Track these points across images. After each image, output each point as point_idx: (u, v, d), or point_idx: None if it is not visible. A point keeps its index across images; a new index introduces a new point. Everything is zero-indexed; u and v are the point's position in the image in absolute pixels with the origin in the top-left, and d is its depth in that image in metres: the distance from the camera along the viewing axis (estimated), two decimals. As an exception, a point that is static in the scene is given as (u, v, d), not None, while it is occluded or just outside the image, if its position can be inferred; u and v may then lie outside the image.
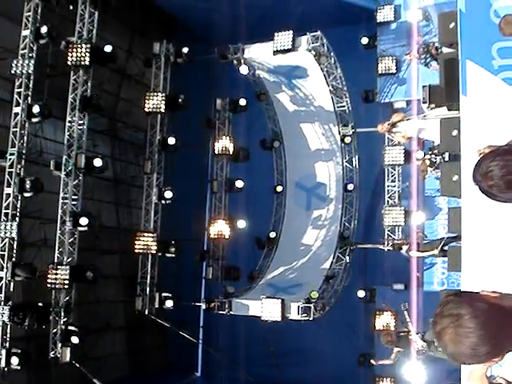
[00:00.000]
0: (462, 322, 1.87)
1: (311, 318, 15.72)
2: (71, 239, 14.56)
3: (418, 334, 12.03)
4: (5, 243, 13.65)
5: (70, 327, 14.25)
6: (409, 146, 16.38)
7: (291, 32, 16.26)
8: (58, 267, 14.01)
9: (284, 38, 16.33)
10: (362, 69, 17.80)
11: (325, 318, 16.52)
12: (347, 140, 18.04)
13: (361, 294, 17.19)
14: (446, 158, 11.75)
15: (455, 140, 9.28)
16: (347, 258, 17.61)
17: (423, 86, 11.61)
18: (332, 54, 16.70)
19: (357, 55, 17.77)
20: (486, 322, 1.86)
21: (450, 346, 1.88)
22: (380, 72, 17.06)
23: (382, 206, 17.20)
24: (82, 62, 14.49)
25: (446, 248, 12.39)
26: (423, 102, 11.75)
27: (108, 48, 14.91)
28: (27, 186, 13.67)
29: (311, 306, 15.71)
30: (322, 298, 16.51)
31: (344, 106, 17.65)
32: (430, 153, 14.06)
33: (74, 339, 14.13)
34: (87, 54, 14.44)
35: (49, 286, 13.98)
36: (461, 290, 1.99)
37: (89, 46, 14.53)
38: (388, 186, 17.28)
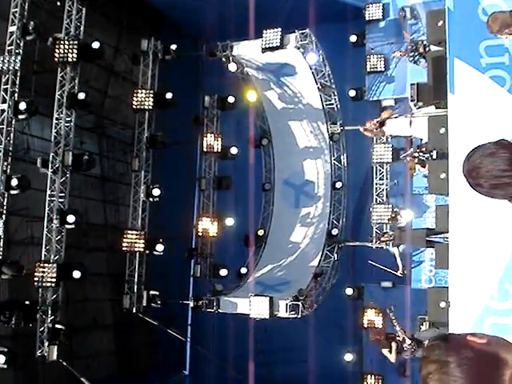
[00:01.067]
0: (447, 370, 1.85)
1: (299, 316, 15.74)
2: (58, 237, 14.48)
3: (406, 335, 12.10)
4: (-9, 241, 13.55)
5: (57, 325, 14.18)
6: (397, 143, 16.45)
7: (280, 29, 16.25)
8: (45, 265, 13.93)
9: (272, 36, 16.32)
10: (351, 67, 17.82)
11: (313, 315, 16.55)
12: (335, 138, 18.07)
13: (349, 291, 17.23)
14: (434, 156, 11.80)
15: (443, 138, 9.30)
16: (335, 255, 17.65)
17: (411, 84, 11.67)
18: (320, 51, 16.70)
19: (345, 53, 17.78)
20: (472, 370, 1.84)
21: None
22: (368, 70, 17.10)
23: (370, 203, 17.23)
24: (70, 59, 14.41)
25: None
26: (411, 100, 11.80)
27: (95, 45, 14.83)
28: (14, 184, 13.57)
29: (299, 303, 15.73)
30: (310, 295, 16.52)
31: (332, 104, 17.66)
32: (418, 151, 14.10)
33: (61, 338, 14.06)
34: (74, 51, 14.36)
35: (36, 284, 13.90)
36: (448, 334, 1.96)
37: (76, 42, 14.46)
38: (376, 184, 17.32)
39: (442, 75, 9.38)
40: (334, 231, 18.06)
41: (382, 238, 15.23)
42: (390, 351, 12.38)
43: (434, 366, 1.86)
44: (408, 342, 12.00)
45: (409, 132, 12.99)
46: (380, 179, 17.28)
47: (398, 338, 12.28)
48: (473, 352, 1.84)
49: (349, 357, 17.15)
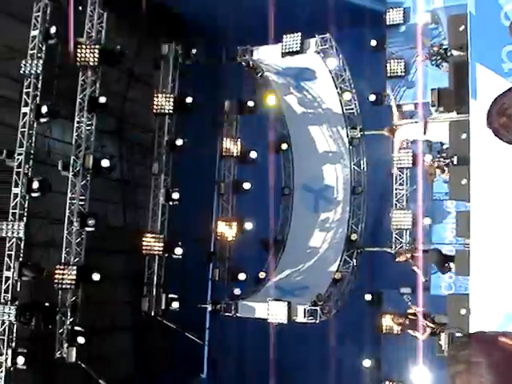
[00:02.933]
0: (477, 371, 1.81)
1: (317, 321, 15.67)
2: (78, 239, 14.58)
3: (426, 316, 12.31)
4: (12, 243, 13.67)
5: (76, 327, 14.28)
6: (417, 148, 16.33)
7: (300, 34, 16.25)
8: (65, 267, 14.03)
9: (292, 40, 16.32)
10: (371, 71, 17.76)
11: (331, 321, 16.47)
12: (355, 143, 18.00)
13: (368, 297, 17.13)
14: (455, 162, 11.70)
15: (464, 143, 9.22)
16: (354, 261, 17.56)
17: (432, 89, 11.56)
18: (340, 56, 16.65)
19: (365, 57, 17.72)
20: (502, 372, 1.80)
21: None
22: (389, 74, 17.01)
23: (389, 209, 17.12)
24: (91, 63, 14.53)
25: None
26: (432, 106, 11.69)
27: (117, 49, 14.93)
28: (35, 186, 13.68)
29: (318, 308, 15.66)
30: (328, 300, 16.45)
31: (352, 109, 17.59)
32: (439, 156, 14.00)
33: (80, 339, 14.13)
34: (96, 55, 14.47)
35: (55, 286, 14.01)
36: (478, 333, 1.92)
37: (97, 46, 14.57)
38: (396, 190, 17.22)
39: (463, 80, 9.30)
40: (354, 236, 17.97)
41: (398, 259, 15.11)
42: (422, 333, 12.63)
43: (463, 365, 1.82)
44: (432, 325, 12.27)
45: (425, 137, 12.87)
46: (400, 184, 17.18)
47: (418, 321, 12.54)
48: (504, 353, 1.80)
49: (367, 363, 17.06)
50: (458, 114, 10.41)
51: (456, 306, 10.01)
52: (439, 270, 13.39)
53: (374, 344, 17.44)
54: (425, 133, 12.04)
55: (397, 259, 14.75)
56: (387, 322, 15.96)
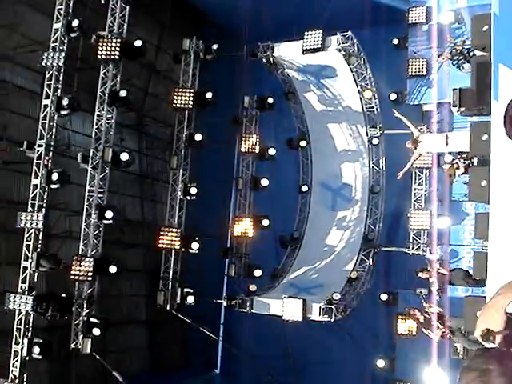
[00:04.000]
0: (489, 379, 1.79)
1: (332, 320, 15.62)
2: (96, 232, 14.67)
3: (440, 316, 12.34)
4: (30, 234, 13.78)
5: (91, 319, 14.37)
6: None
7: (321, 31, 16.19)
8: (82, 259, 14.12)
9: (314, 37, 16.26)
10: (392, 70, 17.65)
11: (346, 320, 16.42)
12: (375, 141, 17.91)
13: (384, 297, 17.04)
14: (475, 163, 11.60)
15: (485, 144, 9.12)
16: (371, 260, 17.47)
17: (453, 89, 11.43)
18: (362, 54, 16.57)
19: (387, 56, 17.61)
20: None
21: None
22: (410, 74, 16.88)
23: (407, 209, 17.01)
24: (112, 57, 14.60)
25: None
26: (453, 106, 11.56)
27: (138, 43, 14.97)
28: (54, 178, 13.78)
29: (333, 307, 15.61)
30: (344, 299, 16.40)
31: (372, 107, 17.50)
32: (459, 157, 13.88)
33: (96, 331, 14.23)
34: (117, 49, 14.53)
35: (72, 277, 14.11)
36: (489, 347, 1.91)
37: (119, 40, 14.63)
38: (415, 190, 17.10)
39: (485, 81, 9.20)
40: (371, 236, 17.88)
41: (420, 274, 15.01)
42: (436, 334, 12.60)
43: (474, 373, 1.80)
44: (443, 329, 12.25)
45: (446, 149, 12.77)
46: (419, 184, 17.07)
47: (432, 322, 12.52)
48: None
49: (381, 363, 16.97)
50: (479, 115, 10.32)
51: (472, 309, 9.92)
52: (468, 286, 13.33)
53: (389, 344, 17.36)
54: (447, 144, 11.97)
55: (419, 274, 14.68)
56: (407, 324, 15.86)
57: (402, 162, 17.41)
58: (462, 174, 13.82)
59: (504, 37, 8.85)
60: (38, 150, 14.07)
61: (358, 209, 18.65)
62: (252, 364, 18.08)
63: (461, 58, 14.50)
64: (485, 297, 9.36)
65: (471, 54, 12.78)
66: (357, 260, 17.52)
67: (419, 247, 16.73)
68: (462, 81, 13.01)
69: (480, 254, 11.01)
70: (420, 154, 13.71)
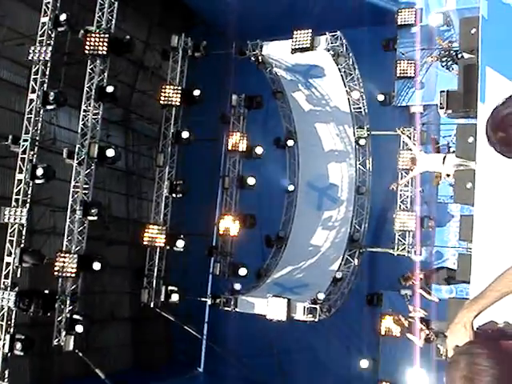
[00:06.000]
0: (476, 360, 1.82)
1: (317, 320, 15.63)
2: (80, 228, 14.56)
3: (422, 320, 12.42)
4: (14, 229, 13.66)
5: (74, 316, 14.26)
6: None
7: (310, 31, 16.18)
8: (66, 255, 14.02)
9: (303, 37, 16.25)
10: (380, 71, 17.68)
11: (330, 320, 16.44)
12: (362, 142, 17.93)
13: (368, 297, 17.09)
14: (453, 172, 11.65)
15: (471, 147, 9.16)
16: (356, 260, 17.49)
17: (441, 92, 11.48)
18: (350, 54, 16.58)
19: (375, 57, 17.63)
20: (501, 362, 1.80)
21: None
22: (398, 75, 16.92)
23: (393, 210, 17.05)
24: (100, 52, 14.49)
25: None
26: (440, 108, 11.62)
27: (126, 39, 14.89)
28: (39, 173, 13.67)
29: (317, 307, 15.62)
30: (328, 299, 16.41)
31: (360, 108, 17.52)
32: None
33: (79, 328, 14.14)
34: (105, 44, 14.44)
35: (56, 273, 13.99)
36: (481, 331, 1.93)
37: (107, 35, 14.52)
38: (401, 191, 17.13)
39: (472, 83, 9.24)
40: (356, 236, 17.91)
41: (403, 284, 15.07)
42: (419, 338, 12.61)
43: (463, 356, 1.83)
44: (426, 332, 12.29)
45: (442, 168, 12.83)
46: (405, 186, 17.09)
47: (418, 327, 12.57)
48: (504, 348, 1.80)
49: (364, 363, 17.02)
50: (465, 117, 10.36)
51: (456, 310, 9.95)
52: (450, 284, 13.39)
53: (372, 345, 17.40)
54: (444, 163, 12.05)
55: (403, 283, 14.75)
56: (387, 323, 15.90)
57: (389, 163, 17.50)
58: (448, 176, 13.88)
59: (491, 40, 8.88)
60: (23, 145, 13.94)
61: (344, 209, 18.67)
62: (236, 363, 18.07)
63: (449, 59, 14.56)
64: (468, 299, 9.39)
65: (459, 56, 12.83)
66: (342, 260, 17.54)
67: (404, 248, 16.77)
68: (450, 83, 13.07)
69: (464, 256, 11.07)
70: (419, 173, 13.81)
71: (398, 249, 16.81)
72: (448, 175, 13.33)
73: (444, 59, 14.92)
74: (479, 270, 8.61)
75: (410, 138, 14.55)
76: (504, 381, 1.76)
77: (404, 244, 16.80)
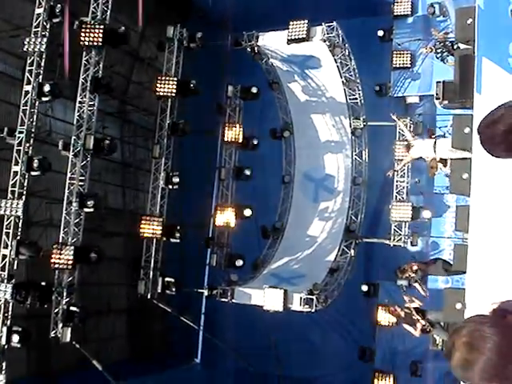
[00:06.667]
0: (481, 328, 1.83)
1: (313, 310, 15.67)
2: (77, 220, 14.55)
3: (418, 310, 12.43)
4: (10, 221, 13.63)
5: (71, 308, 14.28)
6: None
7: (306, 21, 16.12)
8: (63, 247, 14.01)
9: (299, 27, 16.20)
10: (377, 62, 17.67)
11: (327, 310, 16.49)
12: (358, 133, 17.93)
13: (364, 288, 17.13)
14: (449, 158, 11.66)
15: (467, 137, 9.16)
16: (352, 251, 17.54)
17: (437, 82, 11.47)
18: (347, 45, 16.55)
19: (372, 48, 17.62)
20: (505, 333, 1.81)
21: (462, 349, 1.82)
22: (394, 66, 16.92)
23: (389, 200, 17.09)
24: (95, 43, 14.43)
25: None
26: (436, 98, 11.62)
27: (121, 30, 14.83)
28: (35, 165, 13.63)
29: (314, 297, 15.66)
30: (325, 290, 16.45)
31: (356, 99, 17.51)
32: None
33: (75, 320, 14.15)
34: (100, 35, 14.37)
35: (52, 265, 13.99)
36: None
37: (102, 26, 14.46)
38: (397, 181, 17.17)
39: (469, 74, 9.23)
40: (352, 227, 17.94)
41: (400, 275, 15.08)
42: (415, 328, 12.58)
43: (467, 324, 1.84)
44: (422, 322, 12.31)
45: (433, 154, 12.84)
46: (401, 177, 17.13)
47: (413, 316, 12.53)
48: (509, 323, 1.82)
49: (361, 353, 17.10)
50: (462, 108, 10.35)
51: (452, 300, 9.99)
52: (447, 274, 13.41)
53: (369, 335, 17.47)
54: (435, 151, 12.05)
55: (399, 275, 14.77)
56: (383, 314, 15.95)
57: (385, 153, 17.53)
58: (444, 166, 13.90)
59: (488, 30, 8.87)
60: (19, 137, 13.88)
61: (340, 200, 18.69)
62: (233, 354, 18.13)
63: (444, 50, 14.55)
64: (464, 289, 9.42)
65: (455, 47, 12.81)
66: (338, 251, 17.58)
67: (400, 239, 16.82)
68: (446, 74, 13.05)
69: (460, 246, 11.08)
70: (413, 159, 13.76)
71: (394, 239, 16.86)
72: (443, 163, 13.33)
73: (439, 50, 14.90)
74: (475, 260, 8.64)
75: (404, 125, 14.52)
76: (505, 350, 1.76)
77: (400, 235, 16.85)
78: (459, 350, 1.83)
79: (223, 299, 16.72)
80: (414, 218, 16.65)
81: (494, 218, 8.23)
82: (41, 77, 14.02)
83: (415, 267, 14.36)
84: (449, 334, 1.96)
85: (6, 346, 13.20)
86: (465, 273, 10.00)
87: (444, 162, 13.63)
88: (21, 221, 13.74)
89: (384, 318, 15.96)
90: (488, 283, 8.48)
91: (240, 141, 18.43)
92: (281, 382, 17.69)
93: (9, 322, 13.37)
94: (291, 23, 16.26)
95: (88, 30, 14.38)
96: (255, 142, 18.66)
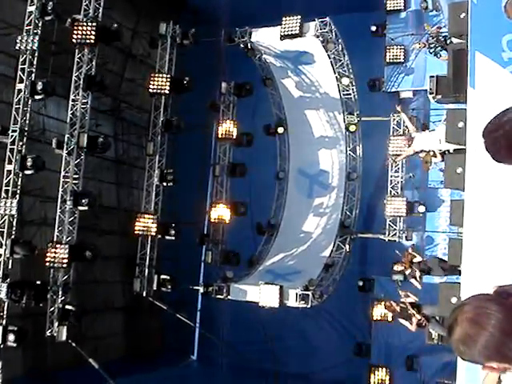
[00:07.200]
0: (485, 304, 1.83)
1: (309, 306, 15.69)
2: (71, 218, 14.53)
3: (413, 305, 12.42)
4: (4, 220, 13.61)
5: (67, 306, 14.27)
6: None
7: (299, 17, 16.09)
8: (57, 246, 13.99)
9: (292, 23, 16.16)
10: (370, 57, 17.67)
11: (323, 306, 16.51)
12: (352, 128, 17.91)
13: (359, 283, 17.17)
14: (451, 150, 11.66)
15: (461, 132, 9.17)
16: (347, 246, 17.54)
17: (430, 77, 11.49)
18: (340, 40, 16.53)
19: (365, 43, 17.61)
20: (509, 312, 1.81)
21: (465, 325, 1.82)
22: (388, 61, 16.92)
23: (384, 196, 17.10)
24: (88, 41, 14.39)
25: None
26: (430, 93, 11.64)
27: (114, 27, 14.78)
28: (28, 164, 13.61)
29: (309, 293, 15.67)
30: (320, 285, 16.47)
31: (350, 94, 17.49)
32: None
33: (71, 318, 14.13)
34: (93, 33, 14.32)
35: (47, 264, 13.97)
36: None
37: (94, 24, 14.41)
38: (391, 177, 17.18)
39: (462, 68, 9.23)
40: (347, 222, 17.95)
41: (395, 267, 15.08)
42: (411, 323, 12.57)
43: (471, 300, 1.84)
44: (418, 317, 12.32)
45: (438, 146, 12.81)
46: (395, 171, 17.14)
47: (409, 311, 12.52)
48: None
49: (357, 348, 17.13)
50: (455, 102, 10.36)
51: (447, 295, 10.01)
52: (444, 274, 13.40)
53: (365, 330, 17.51)
54: (440, 142, 12.02)
55: (395, 267, 14.75)
56: (378, 309, 15.99)
57: (379, 149, 17.53)
58: (435, 157, 13.90)
59: (481, 24, 8.87)
60: (12, 136, 13.86)
61: (335, 195, 18.69)
62: (229, 350, 18.14)
63: (437, 45, 14.55)
64: (459, 283, 9.44)
65: (448, 41, 12.81)
66: (333, 246, 17.58)
67: (395, 234, 16.85)
68: (439, 68, 13.06)
69: (455, 241, 11.10)
70: (415, 152, 13.72)
71: (388, 234, 16.89)
72: (442, 155, 13.32)
73: (432, 45, 14.91)
74: (470, 254, 8.66)
75: (408, 118, 14.47)
76: (508, 328, 1.76)
77: (395, 229, 16.88)
78: (461, 326, 1.82)
79: (219, 296, 16.72)
80: (408, 213, 16.69)
81: (488, 212, 8.25)
82: (33, 75, 13.99)
83: (410, 256, 14.27)
84: (451, 311, 1.94)
85: (1, 346, 13.18)
86: (457, 266, 10.04)
87: (439, 156, 13.62)
88: (15, 220, 13.72)
89: (379, 313, 16.01)
90: (483, 277, 8.50)
91: (234, 137, 18.41)
92: (277, 377, 17.69)
93: (4, 322, 13.36)
94: (284, 19, 16.23)
95: (80, 28, 14.33)
96: (249, 139, 18.64)
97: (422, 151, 13.18)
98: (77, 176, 14.61)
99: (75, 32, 14.33)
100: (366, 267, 18.43)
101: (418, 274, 13.54)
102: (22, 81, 13.98)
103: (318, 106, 18.60)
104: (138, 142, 19.97)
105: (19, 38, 13.96)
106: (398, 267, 14.15)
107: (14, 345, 13.20)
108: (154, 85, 16.98)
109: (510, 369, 1.81)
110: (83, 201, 14.40)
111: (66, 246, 14.03)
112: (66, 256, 13.93)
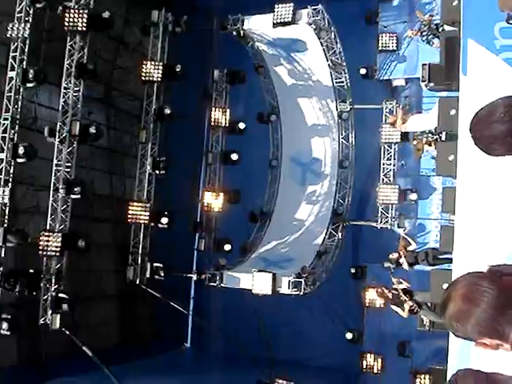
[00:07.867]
0: (480, 281, 1.86)
1: (302, 293, 15.77)
2: (64, 207, 14.51)
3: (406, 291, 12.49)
4: (-3, 209, 13.59)
5: (60, 294, 14.28)
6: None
7: (292, 4, 16.05)
8: (50, 234, 13.98)
9: (284, 11, 16.12)
10: (363, 45, 17.66)
11: (315, 293, 16.59)
12: (344, 116, 17.93)
13: (352, 270, 17.26)
14: (443, 138, 11.72)
15: (453, 119, 9.22)
16: (340, 234, 17.62)
17: (423, 65, 11.49)
18: (332, 28, 16.51)
19: (357, 31, 17.59)
20: (503, 289, 1.84)
21: (458, 301, 1.84)
22: (380, 48, 16.92)
23: (376, 183, 17.16)
24: (79, 28, 14.29)
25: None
26: (422, 81, 11.65)
27: (105, 14, 14.70)
28: (20, 152, 13.57)
29: (302, 280, 15.75)
30: (313, 273, 16.54)
31: (342, 82, 17.49)
32: (427, 132, 13.98)
33: (64, 306, 14.15)
34: (84, 20, 14.23)
35: (40, 252, 13.96)
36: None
37: (86, 11, 14.31)
38: (383, 164, 17.23)
39: (454, 56, 9.26)
40: (340, 210, 18.01)
41: (390, 256, 15.13)
42: (403, 309, 12.64)
43: (466, 277, 1.87)
44: (410, 303, 12.40)
45: (431, 127, 12.84)
46: (388, 159, 17.19)
47: (401, 297, 12.60)
48: (509, 283, 1.83)
49: (349, 335, 17.24)
50: (447, 90, 10.40)
51: (439, 281, 10.10)
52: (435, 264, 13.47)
53: (357, 317, 17.61)
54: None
55: (389, 256, 14.82)
56: (371, 295, 16.07)
57: (371, 136, 17.58)
58: (429, 145, 13.96)
59: (473, 12, 8.90)
60: (4, 124, 13.80)
61: (328, 183, 18.73)
62: (223, 337, 18.20)
63: (430, 33, 14.56)
64: (450, 270, 9.52)
65: (440, 29, 12.83)
66: (326, 234, 17.66)
67: (387, 221, 16.93)
68: (432, 56, 13.08)
69: (447, 228, 11.20)
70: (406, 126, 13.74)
71: (381, 222, 16.96)
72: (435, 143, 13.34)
73: (424, 33, 14.92)
74: (462, 241, 8.73)
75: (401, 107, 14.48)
76: (501, 306, 1.77)
77: (387, 217, 16.95)
78: (454, 302, 1.84)
79: (212, 283, 16.78)
80: (400, 201, 16.76)
81: (479, 200, 8.31)
82: (25, 63, 13.91)
83: (404, 242, 14.31)
84: (446, 287, 1.96)
85: (-5, 334, 13.21)
86: (449, 253, 10.10)
87: (432, 144, 13.69)
88: (7, 208, 13.69)
89: (372, 299, 16.10)
90: (474, 263, 8.55)
91: (227, 125, 18.38)
92: (271, 364, 17.78)
93: (-3, 310, 13.37)
94: (276, 6, 16.18)
95: (72, 15, 14.23)
96: (242, 126, 18.61)
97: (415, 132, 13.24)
98: (69, 164, 14.57)
99: (66, 19, 14.22)
100: (358, 254, 18.52)
101: (406, 266, 13.64)
102: (13, 68, 13.90)
103: (311, 94, 18.59)
104: (130, 129, 19.90)
105: (10, 25, 13.87)
106: (393, 255, 14.23)
107: (8, 333, 13.21)
108: (146, 72, 16.91)
109: (503, 345, 1.84)
110: (76, 189, 14.37)
111: (59, 235, 14.02)
112: (59, 244, 13.92)
